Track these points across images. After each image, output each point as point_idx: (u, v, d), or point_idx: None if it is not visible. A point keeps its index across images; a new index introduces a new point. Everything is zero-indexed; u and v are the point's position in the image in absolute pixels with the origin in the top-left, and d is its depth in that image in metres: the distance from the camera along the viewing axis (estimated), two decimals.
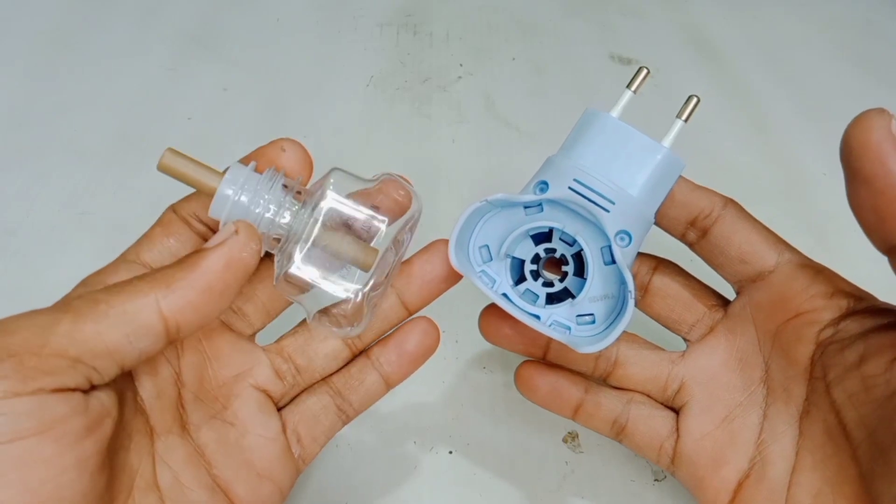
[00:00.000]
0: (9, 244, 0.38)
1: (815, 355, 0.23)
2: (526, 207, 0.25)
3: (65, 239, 0.38)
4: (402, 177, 0.24)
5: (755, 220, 0.25)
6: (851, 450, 0.21)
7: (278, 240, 0.22)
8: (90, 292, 0.18)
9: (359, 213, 0.22)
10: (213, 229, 0.23)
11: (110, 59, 0.50)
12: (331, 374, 0.26)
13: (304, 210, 0.22)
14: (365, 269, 0.22)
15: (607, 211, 0.23)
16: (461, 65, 0.52)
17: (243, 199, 0.21)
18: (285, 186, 0.22)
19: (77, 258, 0.37)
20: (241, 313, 0.25)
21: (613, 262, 0.24)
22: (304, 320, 0.26)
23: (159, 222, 0.23)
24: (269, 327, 0.26)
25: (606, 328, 0.24)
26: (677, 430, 0.26)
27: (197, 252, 0.19)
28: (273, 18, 0.55)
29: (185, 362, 0.23)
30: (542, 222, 0.25)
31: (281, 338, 0.26)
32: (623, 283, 0.23)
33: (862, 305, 0.23)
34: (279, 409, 0.25)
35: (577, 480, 0.30)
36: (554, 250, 0.25)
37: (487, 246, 0.25)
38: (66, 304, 0.18)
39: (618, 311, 0.24)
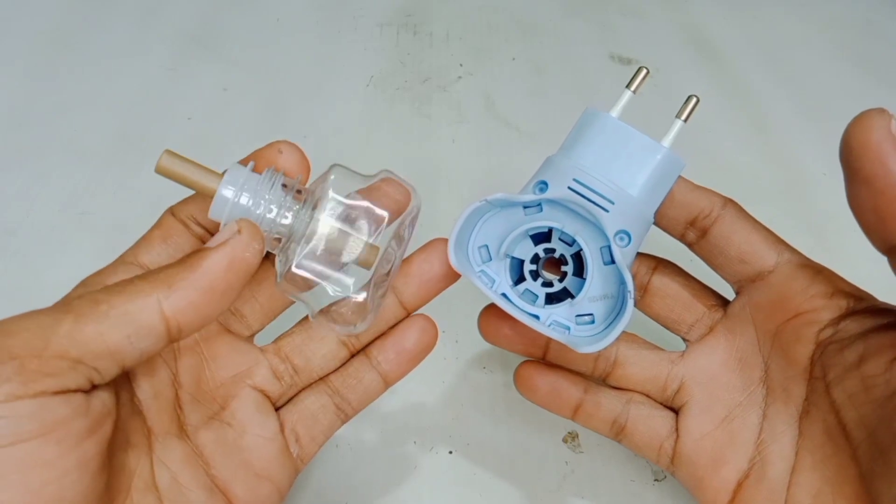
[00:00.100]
0: (9, 244, 0.38)
1: (815, 355, 0.23)
2: (525, 207, 0.25)
3: (65, 239, 0.38)
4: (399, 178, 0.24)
5: (755, 221, 0.25)
6: (851, 450, 0.21)
7: (279, 240, 0.22)
8: (91, 292, 0.18)
9: (359, 210, 0.22)
10: (212, 232, 0.23)
11: (110, 59, 0.50)
12: (329, 374, 0.26)
13: (305, 209, 0.22)
14: (367, 266, 0.22)
15: (607, 211, 0.23)
16: (461, 65, 0.52)
17: (243, 199, 0.21)
18: (285, 186, 0.22)
19: (77, 258, 0.37)
20: (239, 315, 0.25)
21: (613, 262, 0.24)
22: (302, 321, 0.26)
23: (158, 225, 0.23)
24: (268, 327, 0.26)
25: (606, 328, 0.24)
26: (677, 430, 0.26)
27: (199, 251, 0.19)
28: (273, 18, 0.55)
29: (183, 364, 0.23)
30: (541, 222, 0.25)
31: (279, 338, 0.26)
32: (622, 282, 0.23)
33: (862, 305, 0.23)
34: (277, 409, 0.25)
35: (577, 480, 0.30)
36: (553, 250, 0.25)
37: (487, 246, 0.25)
38: (66, 305, 0.18)
39: (617, 310, 0.24)
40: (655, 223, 0.25)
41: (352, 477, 0.30)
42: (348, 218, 0.22)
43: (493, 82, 0.50)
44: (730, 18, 0.58)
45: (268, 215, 0.21)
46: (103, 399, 0.18)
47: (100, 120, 0.45)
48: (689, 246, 0.26)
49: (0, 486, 0.16)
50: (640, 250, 0.25)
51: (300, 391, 0.26)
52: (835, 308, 0.23)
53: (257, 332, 0.25)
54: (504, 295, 0.25)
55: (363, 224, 0.22)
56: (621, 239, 0.23)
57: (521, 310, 0.24)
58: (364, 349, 0.26)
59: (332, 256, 0.22)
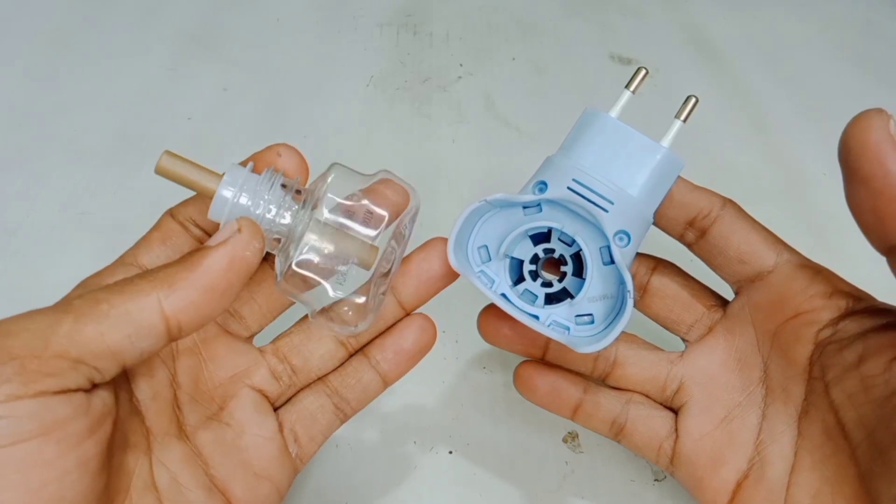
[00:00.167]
0: (9, 244, 0.38)
1: (814, 355, 0.23)
2: (525, 207, 0.25)
3: (65, 239, 0.38)
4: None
5: (754, 221, 0.25)
6: (850, 450, 0.21)
7: (279, 240, 0.22)
8: (91, 291, 0.18)
9: (359, 210, 0.22)
10: (210, 234, 0.23)
11: (110, 59, 0.50)
12: (328, 373, 0.26)
13: (304, 209, 0.22)
14: (366, 266, 0.22)
15: (606, 211, 0.23)
16: (461, 65, 0.52)
17: (242, 200, 0.21)
18: (284, 186, 0.22)
19: (77, 258, 0.37)
20: (238, 316, 0.25)
21: (612, 262, 0.24)
22: (300, 321, 0.26)
23: (157, 227, 0.23)
24: (267, 328, 0.26)
25: (606, 328, 0.24)
26: (676, 430, 0.26)
27: (199, 250, 0.19)
28: (273, 18, 0.55)
29: (181, 364, 0.23)
30: (541, 222, 0.25)
31: (277, 338, 0.26)
32: (622, 283, 0.23)
33: (861, 306, 0.23)
34: (276, 409, 0.25)
35: (577, 480, 0.30)
36: (552, 250, 0.25)
37: (486, 246, 0.25)
38: (67, 304, 0.18)
39: (617, 310, 0.24)
40: (655, 223, 0.25)
41: (352, 477, 0.30)
42: (348, 218, 0.22)
43: (493, 82, 0.50)
44: (730, 18, 0.58)
45: (267, 215, 0.21)
46: (103, 398, 0.18)
47: (100, 120, 0.45)
48: (689, 246, 0.26)
49: (1, 486, 0.16)
50: (639, 250, 0.25)
51: (299, 391, 0.26)
52: (834, 308, 0.23)
53: (256, 333, 0.25)
54: (503, 295, 0.25)
55: (362, 224, 0.22)
56: (621, 239, 0.23)
57: (521, 310, 0.24)
58: (362, 349, 0.26)
59: (331, 256, 0.21)
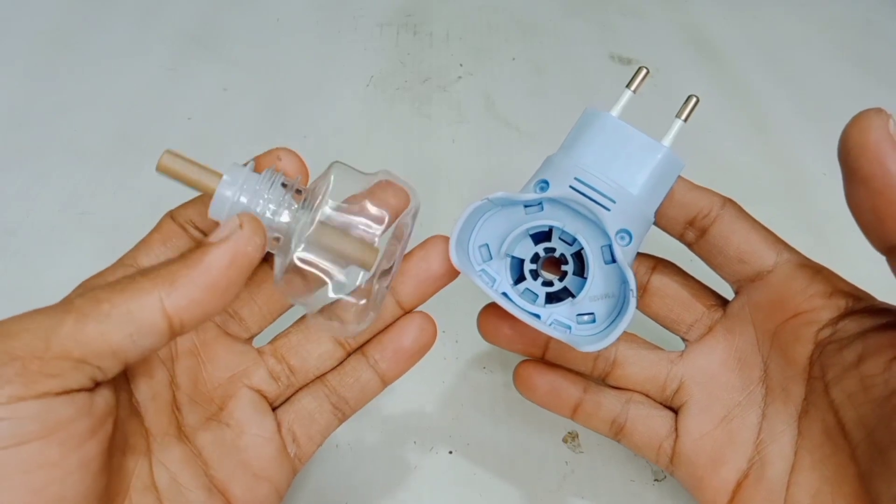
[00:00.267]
0: (9, 244, 0.38)
1: (814, 355, 0.23)
2: (526, 206, 0.25)
3: (65, 239, 0.38)
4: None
5: (754, 220, 0.25)
6: (850, 449, 0.21)
7: (278, 239, 0.22)
8: (92, 290, 0.18)
9: (359, 211, 0.22)
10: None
11: (110, 59, 0.50)
12: (326, 373, 0.26)
13: (304, 208, 0.22)
14: (366, 267, 0.22)
15: (608, 210, 0.23)
16: (461, 65, 0.52)
17: (243, 199, 0.21)
18: (284, 185, 0.22)
19: (77, 258, 0.37)
20: (237, 317, 0.25)
21: (613, 261, 0.24)
22: (298, 321, 0.26)
23: (157, 228, 0.23)
24: (266, 329, 0.26)
25: (607, 327, 0.24)
26: (676, 429, 0.26)
27: (200, 247, 0.19)
28: (273, 18, 0.55)
29: (180, 366, 0.23)
30: (542, 221, 0.25)
31: (275, 339, 0.26)
32: (624, 281, 0.23)
33: (860, 305, 0.23)
34: (274, 409, 0.25)
35: (577, 480, 0.30)
36: (553, 249, 0.25)
37: (487, 245, 0.26)
38: (68, 304, 0.18)
39: (618, 309, 0.24)
40: (655, 223, 0.25)
41: (352, 477, 0.30)
42: (348, 218, 0.22)
43: (493, 82, 0.50)
44: (730, 18, 0.58)
45: (267, 214, 0.21)
46: (106, 397, 0.18)
47: (100, 120, 0.45)
48: (689, 245, 0.26)
49: (3, 488, 0.16)
50: (639, 250, 0.25)
51: (297, 391, 0.26)
52: (834, 308, 0.23)
53: (256, 334, 0.25)
54: (505, 294, 0.25)
55: (363, 225, 0.22)
56: (622, 238, 0.23)
57: (523, 309, 0.24)
58: (360, 348, 0.26)
59: (331, 256, 0.21)
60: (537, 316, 0.25)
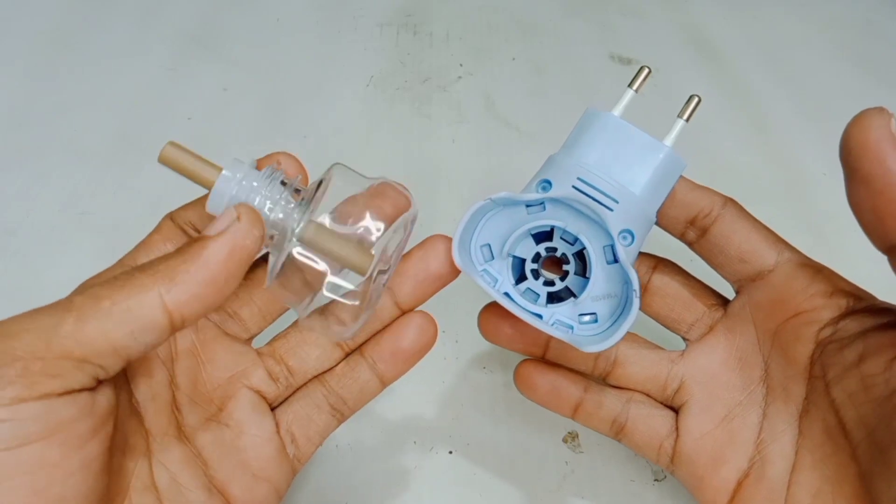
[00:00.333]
0: (9, 244, 0.38)
1: (815, 354, 0.23)
2: (528, 206, 0.25)
3: (65, 239, 0.38)
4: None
5: (755, 220, 0.25)
6: (851, 449, 0.21)
7: (272, 237, 0.21)
8: (92, 288, 0.18)
9: (356, 216, 0.22)
10: None
11: (110, 59, 0.50)
12: (324, 373, 0.26)
13: (302, 208, 0.21)
14: (361, 272, 0.22)
15: (611, 210, 0.23)
16: (461, 65, 0.52)
17: (241, 193, 0.21)
18: (283, 183, 0.21)
19: (77, 258, 0.37)
20: (237, 318, 0.25)
21: (615, 260, 0.24)
22: (297, 322, 0.26)
23: (157, 230, 0.23)
24: (266, 330, 0.26)
25: (609, 327, 0.24)
26: (677, 429, 0.26)
27: (199, 241, 0.19)
28: (273, 18, 0.55)
29: (180, 366, 0.23)
30: (545, 221, 0.25)
31: (273, 339, 0.26)
32: (627, 281, 0.23)
33: (861, 305, 0.23)
34: (273, 410, 0.25)
35: (577, 480, 0.30)
36: (555, 249, 0.25)
37: (489, 245, 0.25)
38: (68, 303, 0.17)
39: (621, 309, 0.24)
40: (656, 222, 0.25)
41: (352, 477, 0.30)
42: (345, 222, 0.22)
43: (493, 82, 0.50)
44: (730, 18, 0.58)
45: (264, 210, 0.21)
46: (107, 396, 0.18)
47: (100, 120, 0.45)
48: (690, 245, 0.26)
49: (5, 489, 0.16)
50: (640, 250, 0.25)
51: (296, 391, 0.26)
52: (834, 307, 0.23)
53: (255, 335, 0.25)
54: (507, 294, 0.25)
55: (360, 229, 0.22)
56: (625, 238, 0.23)
57: (525, 309, 0.24)
58: (359, 348, 0.26)
59: (326, 258, 0.21)
60: (539, 316, 0.25)
